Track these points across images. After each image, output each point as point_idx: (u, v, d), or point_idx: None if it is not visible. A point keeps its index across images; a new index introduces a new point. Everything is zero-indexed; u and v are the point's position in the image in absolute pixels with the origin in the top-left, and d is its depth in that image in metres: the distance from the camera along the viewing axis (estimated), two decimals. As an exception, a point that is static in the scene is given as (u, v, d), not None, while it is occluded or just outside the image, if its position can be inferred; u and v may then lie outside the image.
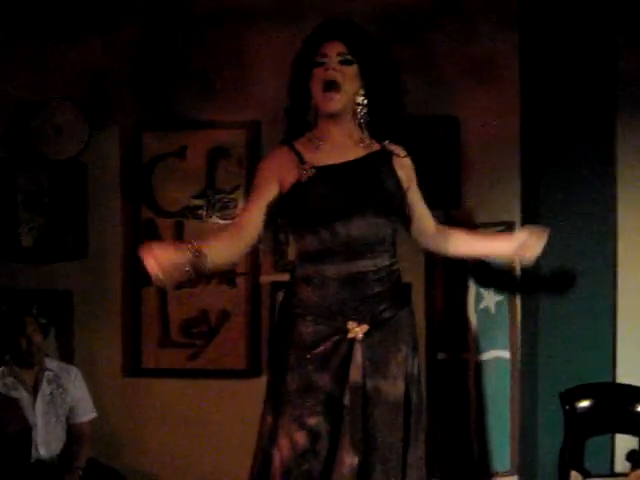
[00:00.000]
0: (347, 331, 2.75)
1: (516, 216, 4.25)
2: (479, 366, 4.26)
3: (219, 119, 4.35)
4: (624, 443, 3.95)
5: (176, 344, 4.41)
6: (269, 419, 2.80)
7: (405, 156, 2.93)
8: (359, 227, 2.75)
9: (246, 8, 4.27)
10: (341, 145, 2.83)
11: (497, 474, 4.23)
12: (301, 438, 2.71)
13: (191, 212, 4.40)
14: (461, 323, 4.28)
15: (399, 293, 2.87)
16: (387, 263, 2.81)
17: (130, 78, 4.42)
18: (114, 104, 4.43)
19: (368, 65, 2.81)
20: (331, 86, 2.77)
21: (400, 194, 2.86)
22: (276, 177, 2.79)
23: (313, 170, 2.76)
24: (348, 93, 2.79)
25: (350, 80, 2.79)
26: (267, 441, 2.79)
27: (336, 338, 2.75)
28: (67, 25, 4.41)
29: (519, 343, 4.23)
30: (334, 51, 2.79)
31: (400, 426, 2.77)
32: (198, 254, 2.57)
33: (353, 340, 2.75)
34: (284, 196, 2.79)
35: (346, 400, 2.72)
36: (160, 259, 2.55)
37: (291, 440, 2.71)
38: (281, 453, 2.73)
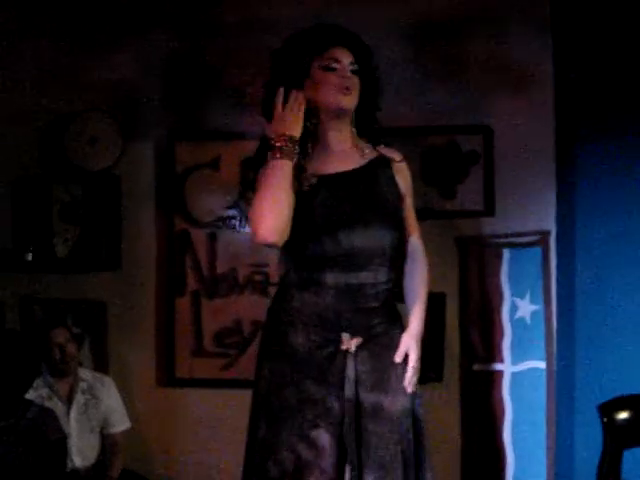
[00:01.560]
0: (340, 342, 2.72)
1: (551, 225, 4.21)
2: (515, 377, 4.22)
3: (251, 130, 4.35)
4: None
5: (210, 354, 4.42)
6: (263, 433, 2.73)
7: (401, 160, 2.90)
8: (362, 237, 2.72)
9: (276, 19, 4.27)
10: (340, 153, 2.82)
11: (533, 486, 4.19)
12: (304, 451, 2.67)
13: (224, 222, 4.41)
14: (496, 334, 4.24)
15: (392, 310, 2.83)
16: (385, 279, 2.78)
17: (163, 89, 4.45)
18: (147, 115, 4.45)
19: (366, 78, 2.84)
20: (347, 90, 2.79)
21: (401, 203, 2.85)
22: None
23: (314, 179, 2.74)
24: (355, 100, 2.81)
25: (356, 88, 2.81)
26: (262, 455, 2.72)
27: (330, 350, 2.71)
28: (100, 38, 4.45)
29: (555, 354, 4.18)
30: (346, 59, 2.80)
31: (402, 443, 2.72)
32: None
33: (346, 352, 2.72)
34: None
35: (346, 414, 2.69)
36: None
37: (294, 453, 2.67)
38: (282, 467, 2.68)
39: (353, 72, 2.80)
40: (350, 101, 2.78)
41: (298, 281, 2.76)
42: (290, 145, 2.68)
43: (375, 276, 2.75)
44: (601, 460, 3.72)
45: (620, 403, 3.77)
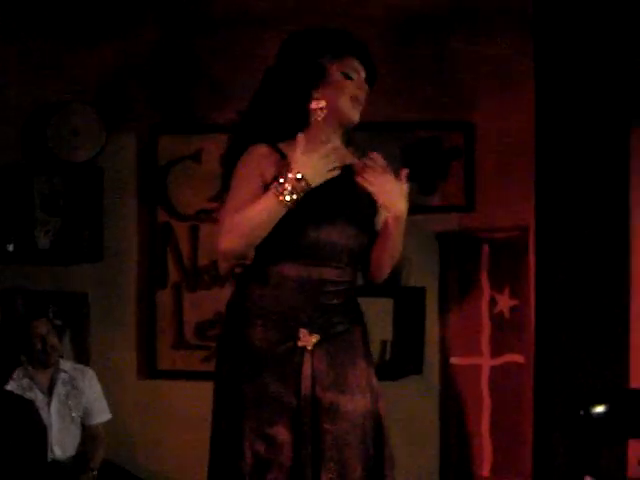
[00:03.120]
0: (298, 338, 2.68)
1: (531, 220, 4.24)
2: (493, 371, 4.25)
3: (235, 122, 4.36)
4: (638, 448, 3.94)
5: (191, 346, 4.43)
6: (224, 430, 2.69)
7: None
8: (329, 233, 2.68)
9: (262, 12, 4.28)
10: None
11: (511, 479, 4.22)
12: (262, 448, 2.64)
13: (207, 215, 4.41)
14: (475, 328, 4.27)
15: (354, 310, 2.79)
16: (348, 278, 2.74)
17: (146, 81, 4.44)
18: (130, 107, 4.45)
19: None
20: (360, 103, 2.77)
21: (373, 207, 2.78)
22: (259, 172, 2.67)
23: None
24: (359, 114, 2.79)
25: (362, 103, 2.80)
26: (224, 452, 2.69)
27: (287, 345, 2.67)
28: (84, 28, 4.44)
29: (533, 348, 4.22)
30: (362, 72, 2.77)
31: (361, 443, 2.69)
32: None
33: (303, 349, 2.68)
34: (263, 190, 2.67)
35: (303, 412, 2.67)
36: None
37: (252, 450, 2.64)
38: (243, 463, 2.65)
39: (367, 83, 2.78)
40: (358, 115, 2.77)
41: (258, 274, 2.71)
42: (301, 196, 2.58)
43: (339, 274, 2.71)
44: (577, 453, 3.76)
45: (597, 397, 3.81)
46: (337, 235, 2.71)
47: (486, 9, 4.27)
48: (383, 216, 2.75)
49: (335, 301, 2.71)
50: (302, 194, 2.57)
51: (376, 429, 2.73)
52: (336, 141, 2.75)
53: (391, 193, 2.69)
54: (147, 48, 4.43)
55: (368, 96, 2.78)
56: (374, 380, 2.77)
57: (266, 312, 2.69)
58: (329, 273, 2.70)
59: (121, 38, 4.43)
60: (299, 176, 2.56)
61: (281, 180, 2.57)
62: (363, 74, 2.78)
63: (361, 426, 2.69)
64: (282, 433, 2.64)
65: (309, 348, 2.68)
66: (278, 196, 2.57)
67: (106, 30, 4.44)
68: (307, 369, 2.68)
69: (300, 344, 2.68)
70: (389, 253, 2.77)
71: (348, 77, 2.75)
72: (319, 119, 2.74)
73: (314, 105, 2.73)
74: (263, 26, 4.26)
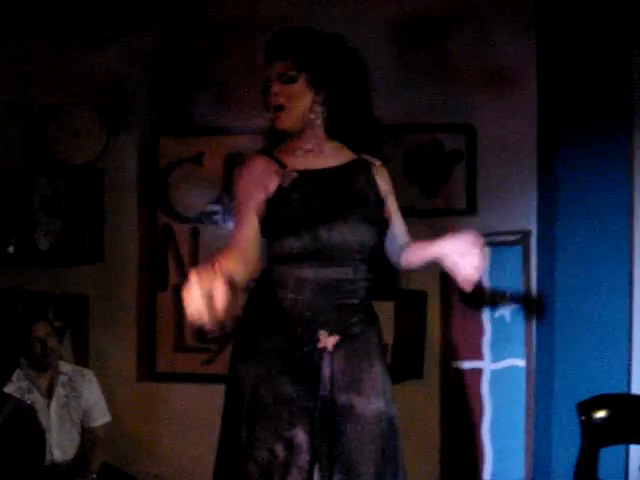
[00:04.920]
0: (317, 340, 2.70)
1: (532, 224, 4.24)
2: (494, 375, 4.24)
3: (236, 125, 4.36)
4: (638, 454, 3.93)
5: (191, 349, 4.42)
6: (242, 434, 2.69)
7: (381, 165, 2.87)
8: (341, 232, 2.71)
9: (262, 15, 4.28)
10: (319, 154, 2.79)
11: (511, 484, 4.22)
12: (282, 450, 2.65)
13: (207, 218, 4.41)
14: (476, 331, 4.26)
15: (369, 309, 2.81)
16: (363, 276, 2.76)
17: (148, 84, 4.44)
18: (131, 109, 4.45)
19: (319, 72, 2.75)
20: (275, 109, 2.76)
21: (380, 203, 2.83)
22: (260, 186, 2.72)
23: (295, 174, 2.71)
24: (297, 109, 2.75)
25: (297, 96, 2.74)
26: (241, 456, 2.69)
27: (306, 348, 2.69)
28: (86, 30, 4.44)
29: (534, 352, 4.21)
30: (275, 74, 2.75)
31: (374, 445, 2.70)
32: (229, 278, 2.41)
33: (322, 351, 2.70)
34: (267, 201, 2.72)
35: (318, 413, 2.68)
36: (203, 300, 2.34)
37: (272, 452, 2.65)
38: (261, 466, 2.66)
39: (288, 81, 2.74)
40: (280, 123, 2.76)
41: (276, 278, 2.74)
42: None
43: (354, 272, 2.73)
44: (579, 458, 3.75)
45: (598, 402, 3.80)
46: (349, 234, 2.72)
47: (488, 12, 4.26)
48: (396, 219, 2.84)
49: (353, 300, 2.73)
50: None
51: (390, 433, 2.74)
52: (311, 139, 2.76)
53: (475, 264, 2.66)
54: (148, 50, 4.42)
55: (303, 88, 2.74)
56: (388, 383, 2.79)
57: (285, 315, 2.70)
58: (345, 272, 2.72)
59: (122, 40, 4.42)
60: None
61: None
62: (277, 73, 2.75)
63: (375, 429, 2.70)
64: (300, 435, 2.66)
65: (329, 349, 2.69)
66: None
67: (107, 32, 4.43)
68: (326, 370, 2.69)
69: (320, 345, 2.69)
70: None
71: (267, 88, 2.78)
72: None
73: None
74: (265, 29, 4.24)
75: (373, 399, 2.72)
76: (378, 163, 2.87)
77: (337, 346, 2.71)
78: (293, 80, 2.74)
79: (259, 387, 2.69)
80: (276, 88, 2.75)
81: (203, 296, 2.32)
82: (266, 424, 2.67)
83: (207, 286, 2.33)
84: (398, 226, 2.91)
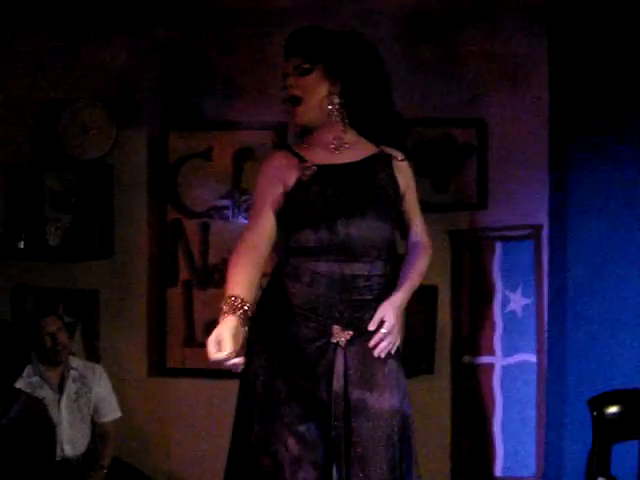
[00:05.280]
0: (331, 335, 2.70)
1: (544, 219, 4.22)
2: (505, 370, 4.23)
3: (245, 120, 4.36)
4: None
5: (201, 344, 4.35)
6: (256, 428, 2.70)
7: (402, 160, 2.87)
8: (359, 227, 2.71)
9: (272, 9, 4.27)
10: (339, 148, 2.79)
11: (522, 479, 4.20)
12: (296, 444, 2.65)
13: (217, 212, 4.40)
14: (487, 326, 4.25)
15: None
16: (379, 272, 2.75)
17: (157, 79, 4.44)
18: (141, 104, 4.45)
19: (334, 63, 2.77)
20: (292, 101, 2.78)
21: (399, 198, 2.83)
22: (279, 180, 2.74)
23: (315, 168, 2.72)
24: (313, 100, 2.76)
25: (312, 88, 2.76)
26: (256, 450, 2.69)
27: (320, 342, 2.69)
28: (95, 25, 4.44)
29: (546, 347, 4.19)
30: (290, 67, 2.78)
31: (387, 441, 2.69)
32: (247, 308, 2.57)
33: (336, 345, 2.70)
34: (286, 195, 2.74)
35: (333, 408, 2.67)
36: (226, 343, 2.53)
37: (286, 447, 2.65)
38: (276, 461, 2.66)
39: (303, 73, 2.77)
40: (297, 118, 2.79)
41: (292, 271, 2.74)
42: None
43: (370, 268, 2.73)
44: (590, 454, 3.74)
45: (610, 397, 3.78)
46: (367, 229, 2.73)
47: (499, 5, 4.24)
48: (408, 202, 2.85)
49: (367, 296, 2.73)
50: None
51: (404, 430, 2.74)
52: (329, 133, 2.77)
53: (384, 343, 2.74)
54: (157, 45, 4.42)
55: (318, 81, 2.76)
56: (403, 379, 2.79)
57: (300, 309, 2.71)
58: (361, 268, 2.72)
59: (131, 35, 4.42)
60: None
61: (223, 306, 2.58)
62: (292, 65, 2.78)
63: (388, 425, 2.70)
64: (313, 430, 2.66)
65: (342, 344, 2.68)
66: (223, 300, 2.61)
67: (116, 27, 4.43)
68: (339, 365, 2.69)
69: (334, 340, 2.69)
70: None
71: (285, 87, 2.80)
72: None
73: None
74: (274, 23, 4.24)
75: (387, 395, 2.72)
76: (400, 157, 2.86)
77: (350, 341, 2.71)
78: (308, 72, 2.77)
79: (273, 381, 2.70)
80: (291, 80, 2.77)
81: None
82: (280, 418, 2.67)
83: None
84: (414, 224, 2.92)
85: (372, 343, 2.71)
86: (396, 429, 2.72)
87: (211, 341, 2.53)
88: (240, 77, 4.33)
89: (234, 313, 2.55)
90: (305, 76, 2.76)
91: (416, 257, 2.89)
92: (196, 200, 4.41)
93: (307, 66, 2.76)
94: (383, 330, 2.71)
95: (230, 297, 2.57)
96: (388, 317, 2.72)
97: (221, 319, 2.56)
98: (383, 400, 2.71)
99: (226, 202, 4.40)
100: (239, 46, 4.35)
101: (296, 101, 2.76)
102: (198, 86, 4.41)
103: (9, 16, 4.43)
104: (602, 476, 3.64)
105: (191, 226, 4.43)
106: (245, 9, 4.35)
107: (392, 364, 2.76)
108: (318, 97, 2.76)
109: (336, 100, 2.77)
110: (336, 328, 2.70)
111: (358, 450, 2.67)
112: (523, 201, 4.22)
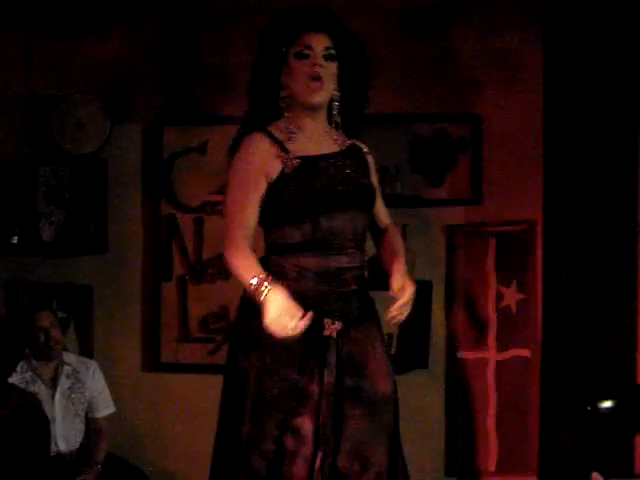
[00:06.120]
0: (322, 328, 2.68)
1: (538, 214, 4.22)
2: (499, 365, 4.23)
3: (240, 114, 4.33)
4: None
5: (195, 339, 4.42)
6: (246, 426, 2.66)
7: (368, 152, 2.87)
8: (341, 220, 2.69)
9: (266, 2, 4.25)
10: (315, 138, 2.76)
11: (516, 474, 4.20)
12: (288, 440, 2.64)
13: (211, 207, 4.40)
14: (481, 321, 4.25)
15: (366, 294, 2.80)
16: (359, 263, 2.75)
17: (151, 73, 4.43)
18: (135, 99, 4.44)
19: (347, 63, 2.75)
20: (316, 79, 2.69)
21: (374, 189, 2.83)
22: (261, 170, 2.67)
23: (298, 160, 2.67)
24: (330, 89, 2.73)
25: (332, 77, 2.72)
26: (245, 449, 2.66)
27: (311, 337, 2.65)
28: (89, 20, 4.43)
29: (540, 342, 4.20)
30: (320, 45, 2.70)
31: (385, 426, 2.70)
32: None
33: (327, 338, 2.69)
34: (268, 187, 2.68)
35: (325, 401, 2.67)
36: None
37: (278, 443, 2.64)
38: (266, 458, 2.64)
39: (329, 58, 2.71)
40: (320, 95, 2.70)
41: (276, 269, 2.69)
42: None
43: (352, 259, 2.73)
44: (584, 448, 3.75)
45: (604, 392, 3.79)
46: (349, 221, 2.72)
47: (493, 0, 4.24)
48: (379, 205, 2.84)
49: (353, 286, 2.73)
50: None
51: (395, 413, 2.75)
52: (313, 122, 2.73)
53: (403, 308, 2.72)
54: (152, 39, 4.41)
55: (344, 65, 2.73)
56: (390, 364, 2.78)
57: None
58: (345, 260, 2.71)
59: (126, 30, 4.41)
60: (266, 321, 2.54)
61: (257, 289, 2.57)
62: (321, 46, 2.70)
63: (384, 410, 2.71)
64: (306, 424, 2.65)
65: (334, 336, 2.69)
66: (249, 286, 2.59)
67: (111, 21, 4.42)
68: (332, 357, 2.69)
69: (325, 333, 2.69)
70: None
71: (301, 56, 2.70)
72: (283, 107, 2.72)
73: (281, 94, 2.73)
74: (267, 17, 4.23)
75: (380, 381, 2.72)
76: (366, 149, 2.87)
77: (340, 332, 2.71)
78: (333, 59, 2.72)
79: (264, 378, 2.67)
80: (320, 60, 2.69)
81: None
82: (272, 416, 2.65)
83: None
84: (380, 211, 2.90)
85: (394, 313, 2.69)
86: (391, 413, 2.72)
87: (281, 316, 2.52)
88: (234, 71, 4.31)
89: (268, 285, 2.55)
90: (329, 62, 2.70)
91: (396, 236, 2.89)
92: (191, 195, 4.41)
93: (334, 53, 2.71)
94: (405, 299, 2.69)
95: (253, 277, 2.56)
96: (408, 285, 2.70)
97: (262, 299, 2.53)
98: (378, 385, 2.71)
99: (220, 197, 4.39)
100: (234, 40, 4.33)
101: (318, 79, 2.69)
102: (193, 81, 4.40)
103: (2, 11, 4.42)
104: (596, 471, 3.65)
105: (185, 221, 4.42)
106: (240, 3, 4.34)
107: (379, 349, 2.76)
108: (333, 86, 2.73)
109: (336, 94, 2.75)
110: (327, 321, 2.69)
111: (355, 437, 2.66)
112: (517, 196, 4.22)
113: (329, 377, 2.67)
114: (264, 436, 2.65)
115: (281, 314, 2.52)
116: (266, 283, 2.56)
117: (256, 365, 2.67)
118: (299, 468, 2.65)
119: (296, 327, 2.52)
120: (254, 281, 2.57)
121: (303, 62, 2.69)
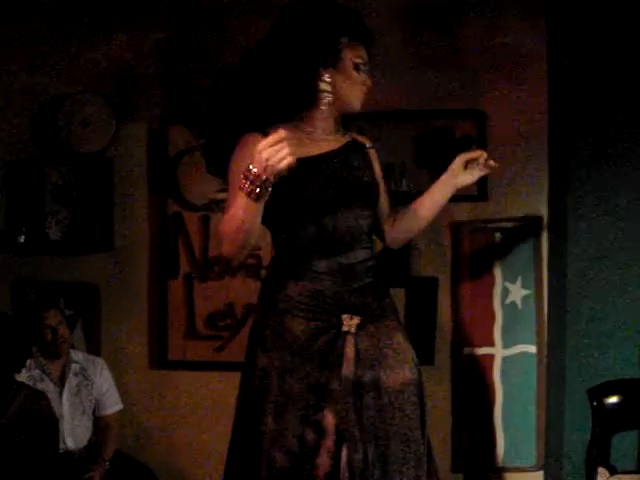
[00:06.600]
0: (341, 325, 2.72)
1: (544, 210, 4.22)
2: (505, 361, 4.24)
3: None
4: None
5: (202, 336, 4.43)
6: (268, 424, 2.67)
7: (371, 147, 2.92)
8: (345, 219, 2.73)
9: (270, 1, 4.25)
10: (318, 138, 2.79)
11: (522, 470, 4.21)
12: (310, 434, 2.67)
13: (217, 205, 4.40)
14: (487, 318, 4.25)
15: (381, 284, 2.84)
16: (370, 255, 2.80)
17: (156, 72, 4.43)
18: (140, 98, 4.45)
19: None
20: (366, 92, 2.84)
21: (377, 184, 2.87)
22: None
23: (296, 162, 2.61)
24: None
25: None
26: (267, 446, 2.68)
27: (330, 333, 2.71)
28: (94, 19, 4.44)
29: (546, 338, 4.20)
30: (366, 57, 2.82)
31: (404, 411, 2.72)
32: None
33: (346, 333, 2.72)
34: None
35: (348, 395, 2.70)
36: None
37: (300, 439, 2.66)
38: (289, 454, 2.66)
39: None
40: (362, 101, 2.85)
41: (291, 271, 2.74)
42: (264, 188, 2.47)
43: (362, 254, 2.77)
44: (590, 444, 3.75)
45: (609, 388, 3.80)
46: (353, 219, 2.75)
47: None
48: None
49: (367, 280, 2.77)
50: (264, 185, 2.45)
51: (419, 397, 2.77)
52: (325, 124, 2.77)
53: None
54: (157, 38, 4.42)
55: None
56: (411, 350, 2.82)
57: (305, 305, 2.71)
58: (356, 256, 2.75)
59: (131, 28, 4.43)
60: (251, 167, 2.44)
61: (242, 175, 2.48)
62: (367, 60, 2.81)
63: (402, 396, 2.73)
64: (327, 417, 2.68)
65: (352, 331, 2.71)
66: (242, 190, 2.49)
67: (116, 20, 4.43)
68: (350, 352, 2.72)
69: (344, 329, 2.72)
70: (426, 220, 3.04)
71: (358, 67, 2.76)
72: (324, 101, 2.73)
73: (323, 87, 2.71)
74: (272, 16, 4.23)
75: (397, 369, 2.75)
76: (369, 144, 2.90)
77: (359, 326, 2.74)
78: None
79: (285, 377, 2.69)
80: (367, 70, 2.82)
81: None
82: (295, 412, 2.68)
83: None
84: (385, 205, 2.97)
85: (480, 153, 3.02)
86: (412, 397, 2.74)
87: (256, 156, 2.41)
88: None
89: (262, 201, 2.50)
90: None
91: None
92: (196, 193, 4.41)
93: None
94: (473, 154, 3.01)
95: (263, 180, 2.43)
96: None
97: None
98: (396, 377, 2.74)
99: (226, 195, 4.38)
100: (238, 39, 4.33)
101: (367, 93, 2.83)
102: (198, 79, 4.40)
103: (9, 10, 4.43)
104: (602, 466, 3.66)
105: (191, 219, 4.43)
106: (243, 2, 4.34)
107: (398, 338, 2.79)
108: None
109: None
110: (345, 317, 2.72)
111: (377, 428, 2.69)
112: (523, 192, 4.22)
113: (347, 370, 2.69)
114: (287, 433, 2.67)
115: (255, 156, 2.41)
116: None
117: (277, 364, 2.70)
118: (323, 462, 2.68)
119: (280, 137, 2.38)
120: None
121: (360, 73, 2.79)
